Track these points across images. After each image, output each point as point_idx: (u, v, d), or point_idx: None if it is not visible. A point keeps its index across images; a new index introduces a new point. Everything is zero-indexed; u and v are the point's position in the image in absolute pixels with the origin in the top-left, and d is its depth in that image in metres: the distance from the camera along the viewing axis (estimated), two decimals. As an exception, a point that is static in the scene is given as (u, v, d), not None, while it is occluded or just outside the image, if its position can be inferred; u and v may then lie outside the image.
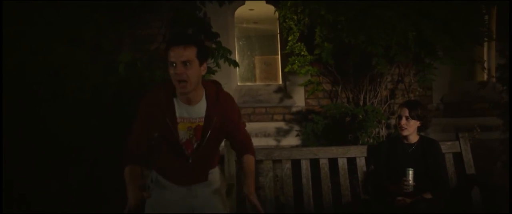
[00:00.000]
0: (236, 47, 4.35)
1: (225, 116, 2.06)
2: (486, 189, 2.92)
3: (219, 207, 2.18)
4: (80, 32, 3.23)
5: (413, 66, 3.87)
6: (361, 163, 3.09)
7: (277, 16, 3.80)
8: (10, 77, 3.07)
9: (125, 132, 2.08)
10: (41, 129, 3.22)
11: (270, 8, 4.13)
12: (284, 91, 4.27)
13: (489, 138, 4.00)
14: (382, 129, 3.84)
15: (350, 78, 3.97)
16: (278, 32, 4.07)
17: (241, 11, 4.39)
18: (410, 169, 2.63)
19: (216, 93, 2.05)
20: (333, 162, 3.09)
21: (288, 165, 3.08)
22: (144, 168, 2.08)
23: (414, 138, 2.87)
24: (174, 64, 1.88)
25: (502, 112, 4.08)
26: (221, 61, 3.46)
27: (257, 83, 5.00)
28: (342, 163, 3.08)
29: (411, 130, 2.82)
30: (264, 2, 4.15)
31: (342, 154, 3.09)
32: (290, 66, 3.73)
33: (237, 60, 3.84)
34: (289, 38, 3.68)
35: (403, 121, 2.80)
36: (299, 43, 3.67)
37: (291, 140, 4.13)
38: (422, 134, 2.94)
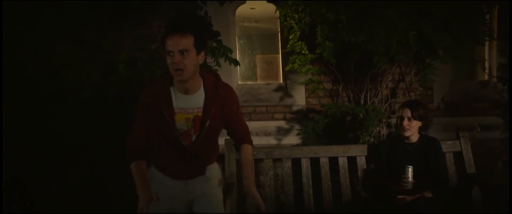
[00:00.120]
0: (237, 46, 4.35)
1: (224, 106, 2.05)
2: (487, 188, 2.92)
3: (218, 204, 2.18)
4: (80, 31, 3.23)
5: (414, 66, 3.87)
6: (361, 162, 3.09)
7: (278, 15, 3.80)
8: (11, 77, 3.07)
9: (125, 132, 2.08)
10: (41, 129, 3.22)
11: (271, 7, 4.12)
12: (285, 90, 4.27)
13: (489, 137, 4.00)
14: (383, 128, 3.84)
15: (350, 77, 3.97)
16: (279, 31, 4.07)
17: (242, 10, 4.39)
18: (410, 166, 2.64)
19: (214, 84, 2.04)
20: (333, 161, 3.09)
21: (288, 164, 3.08)
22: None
23: (415, 137, 2.87)
24: (171, 53, 1.88)
25: (503, 111, 4.08)
26: (221, 60, 3.46)
27: (258, 82, 5.00)
28: (342, 162, 3.08)
29: (413, 130, 2.82)
30: (265, 1, 4.15)
31: (342, 152, 3.09)
32: (290, 65, 3.73)
33: (238, 59, 3.84)
34: (290, 37, 3.67)
35: (406, 122, 2.79)
36: (300, 42, 3.67)
37: (292, 139, 4.13)
38: (423, 132, 2.94)
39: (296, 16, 3.59)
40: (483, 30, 3.52)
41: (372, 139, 3.60)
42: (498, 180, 3.79)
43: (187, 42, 1.88)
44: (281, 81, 4.44)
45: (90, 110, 3.22)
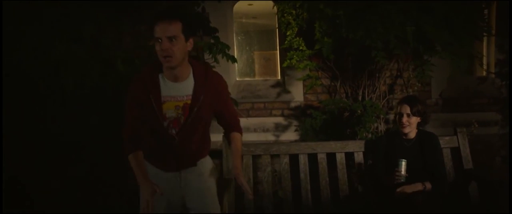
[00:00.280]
0: (235, 43, 4.35)
1: (214, 94, 2.05)
2: (484, 183, 2.93)
3: (211, 199, 2.16)
4: (79, 29, 3.22)
5: (412, 62, 3.87)
6: (359, 157, 3.09)
7: (276, 11, 3.79)
8: (10, 76, 3.06)
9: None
10: (41, 128, 3.22)
11: (269, 3, 4.11)
12: (283, 87, 4.27)
13: (487, 133, 4.00)
14: (380, 124, 3.85)
15: (348, 74, 3.97)
16: (277, 27, 4.07)
17: (240, 6, 4.39)
18: (403, 160, 2.64)
19: (204, 71, 2.04)
20: (331, 156, 3.10)
21: (286, 160, 3.08)
22: None
23: (413, 133, 2.86)
24: (160, 40, 1.88)
25: (501, 107, 4.08)
26: (219, 57, 3.45)
27: (256, 78, 5.00)
28: (340, 157, 3.08)
29: (412, 126, 2.82)
30: (263, -3, 4.15)
31: (340, 148, 3.09)
32: (288, 61, 3.73)
33: (236, 56, 3.84)
34: (288, 33, 3.67)
35: (405, 119, 2.78)
36: (297, 38, 3.67)
37: (290, 135, 4.13)
38: (420, 128, 2.94)
39: (294, 12, 3.59)
40: (481, 26, 3.52)
41: (370, 135, 3.60)
42: (496, 175, 3.79)
43: (175, 28, 1.89)
44: (279, 77, 4.44)
45: (90, 109, 3.22)
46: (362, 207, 2.88)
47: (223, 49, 3.42)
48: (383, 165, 2.88)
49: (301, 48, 3.68)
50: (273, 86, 4.32)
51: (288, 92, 4.22)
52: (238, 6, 4.34)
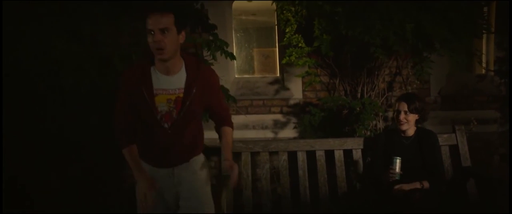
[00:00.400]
0: (233, 40, 4.34)
1: (206, 87, 2.04)
2: (482, 181, 2.93)
3: (205, 197, 2.15)
4: (78, 27, 3.22)
5: (411, 59, 3.86)
6: (357, 155, 3.09)
7: (275, 8, 3.78)
8: (10, 76, 3.06)
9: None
10: (41, 128, 3.22)
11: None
12: (282, 84, 4.27)
13: (486, 131, 4.00)
14: (379, 122, 3.84)
15: (347, 71, 3.96)
16: (276, 24, 4.06)
17: (239, 3, 4.37)
18: (398, 157, 2.64)
19: (196, 65, 2.04)
20: (329, 154, 3.10)
21: (284, 157, 3.09)
22: None
23: (411, 131, 2.87)
24: (152, 32, 1.88)
25: (500, 105, 4.08)
26: (218, 54, 3.44)
27: (255, 75, 4.99)
28: (338, 154, 3.09)
29: (410, 124, 2.82)
30: (262, -7, 4.13)
31: (338, 146, 3.09)
32: (287, 58, 3.72)
33: (235, 53, 3.83)
34: (287, 30, 3.67)
35: (402, 116, 2.79)
36: (296, 35, 3.66)
37: (289, 132, 4.13)
38: (419, 125, 2.94)
39: (293, 8, 3.59)
40: (480, 23, 3.51)
41: (368, 133, 3.60)
42: (495, 173, 3.80)
43: (168, 20, 1.88)
44: (278, 74, 4.43)
45: (89, 109, 3.22)
46: (360, 205, 2.88)
47: (221, 46, 3.41)
48: (382, 163, 2.88)
49: (300, 45, 3.67)
50: (272, 83, 4.32)
51: (287, 89, 4.21)
52: (237, 3, 4.33)
